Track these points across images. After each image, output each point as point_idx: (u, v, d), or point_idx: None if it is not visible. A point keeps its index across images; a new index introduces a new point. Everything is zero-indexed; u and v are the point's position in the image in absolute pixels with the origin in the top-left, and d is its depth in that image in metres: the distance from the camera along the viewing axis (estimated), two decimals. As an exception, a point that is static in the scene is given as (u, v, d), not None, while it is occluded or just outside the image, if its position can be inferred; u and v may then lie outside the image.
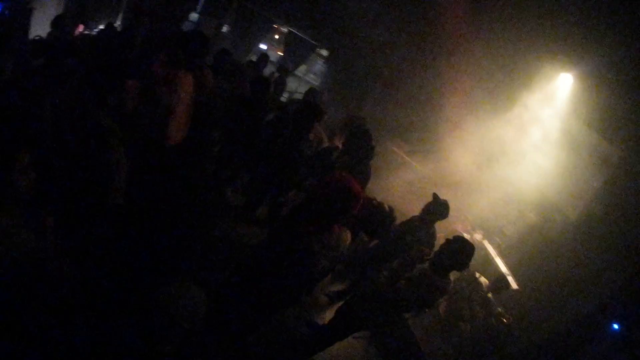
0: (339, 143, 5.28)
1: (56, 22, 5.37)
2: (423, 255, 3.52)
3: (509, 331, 5.58)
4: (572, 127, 6.32)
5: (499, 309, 5.81)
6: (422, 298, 3.39)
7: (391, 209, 3.49)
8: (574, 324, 5.00)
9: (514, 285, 6.08)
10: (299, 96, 8.37)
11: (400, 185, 6.69)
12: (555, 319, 5.32)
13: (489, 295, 5.93)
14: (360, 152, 4.09)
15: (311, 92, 6.15)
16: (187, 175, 4.14)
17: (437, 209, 4.43)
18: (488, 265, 6.47)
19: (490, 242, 6.92)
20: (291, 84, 10.07)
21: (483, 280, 6.10)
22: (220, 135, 4.72)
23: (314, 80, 11.83)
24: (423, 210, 4.47)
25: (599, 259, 5.25)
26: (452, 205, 7.00)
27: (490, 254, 6.64)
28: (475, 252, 6.69)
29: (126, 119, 3.26)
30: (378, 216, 3.27)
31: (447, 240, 3.33)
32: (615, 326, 4.39)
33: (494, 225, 7.37)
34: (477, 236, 7.10)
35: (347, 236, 2.60)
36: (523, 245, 6.82)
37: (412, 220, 4.50)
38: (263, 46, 11.35)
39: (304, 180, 4.49)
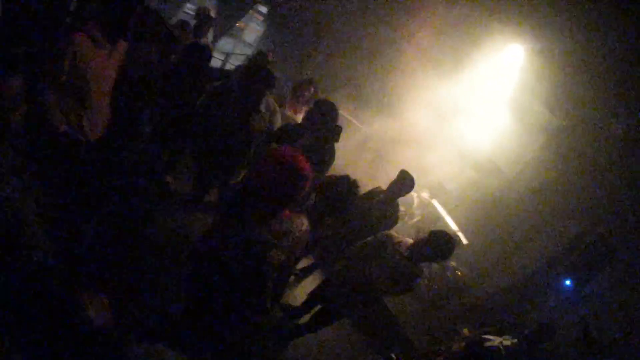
0: (290, 112, 4.85)
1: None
2: (395, 244, 3.35)
3: (464, 283, 5.78)
4: (517, 94, 6.38)
5: (453, 263, 5.94)
6: (399, 286, 3.31)
7: (354, 181, 3.22)
8: (522, 279, 5.25)
9: (464, 240, 6.22)
10: (237, 60, 7.60)
11: (349, 151, 6.44)
12: (503, 272, 5.55)
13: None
14: (326, 131, 3.56)
15: (260, 56, 5.49)
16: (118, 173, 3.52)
17: (405, 185, 4.24)
18: (438, 224, 6.53)
19: (438, 201, 6.98)
20: (226, 45, 9.17)
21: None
22: (152, 114, 4.09)
23: (250, 40, 10.80)
24: (390, 186, 4.22)
25: (538, 216, 5.48)
26: (400, 164, 7.01)
27: (439, 213, 6.70)
28: (426, 211, 6.90)
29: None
30: (339, 191, 2.96)
31: (432, 232, 3.24)
32: (567, 282, 4.60)
33: (436, 182, 7.45)
34: (425, 195, 7.10)
35: (302, 222, 2.17)
36: (464, 201, 6.95)
37: (375, 192, 4.25)
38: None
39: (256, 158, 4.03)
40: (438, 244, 3.15)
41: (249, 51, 9.61)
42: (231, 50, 9.05)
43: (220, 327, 2.16)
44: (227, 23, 9.23)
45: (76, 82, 2.65)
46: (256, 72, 3.65)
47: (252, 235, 1.93)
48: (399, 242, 3.38)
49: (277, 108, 4.00)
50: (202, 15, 5.89)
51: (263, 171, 1.92)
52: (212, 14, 8.36)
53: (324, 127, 3.52)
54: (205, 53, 4.02)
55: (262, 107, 3.79)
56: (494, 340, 4.14)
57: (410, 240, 3.40)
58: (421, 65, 6.73)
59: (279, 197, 1.94)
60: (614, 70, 4.88)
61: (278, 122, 4.01)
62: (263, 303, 2.08)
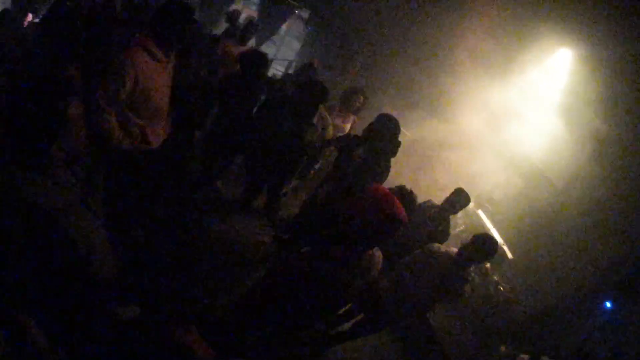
0: (338, 121, 4.80)
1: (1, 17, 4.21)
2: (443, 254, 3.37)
3: (505, 300, 5.58)
4: (567, 101, 6.12)
5: (495, 278, 5.75)
6: (447, 292, 3.34)
7: (410, 191, 3.17)
8: (563, 299, 5.05)
9: (509, 254, 6.00)
10: (279, 65, 7.57)
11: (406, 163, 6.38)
12: (545, 290, 5.35)
13: (487, 265, 5.82)
14: (385, 147, 3.46)
15: (308, 67, 5.47)
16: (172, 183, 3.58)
17: (460, 203, 4.16)
18: (483, 234, 6.35)
19: (483, 211, 6.77)
20: (268, 50, 9.22)
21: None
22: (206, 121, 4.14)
23: (292, 45, 10.77)
24: (445, 202, 4.13)
25: (586, 231, 5.24)
26: (443, 171, 6.83)
27: (484, 224, 6.49)
28: (470, 221, 6.71)
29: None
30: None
31: (476, 235, 3.34)
32: (608, 304, 4.38)
33: (483, 190, 7.24)
34: (470, 204, 6.93)
35: (379, 257, 2.25)
36: (511, 212, 6.71)
37: (427, 207, 4.16)
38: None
39: (307, 170, 4.03)
40: (482, 244, 3.21)
41: (292, 56, 9.62)
42: (274, 56, 9.09)
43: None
44: (268, 28, 9.26)
45: (137, 97, 2.61)
46: (312, 87, 3.64)
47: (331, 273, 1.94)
48: (446, 252, 3.39)
49: (329, 119, 3.98)
50: (246, 23, 5.92)
51: (361, 214, 1.91)
52: (254, 19, 8.45)
53: (384, 141, 3.47)
54: (264, 60, 4.00)
55: (315, 120, 3.78)
56: (529, 361, 4.04)
57: (456, 249, 3.40)
58: (469, 68, 6.54)
59: (371, 241, 2.00)
60: None
61: (330, 133, 4.00)
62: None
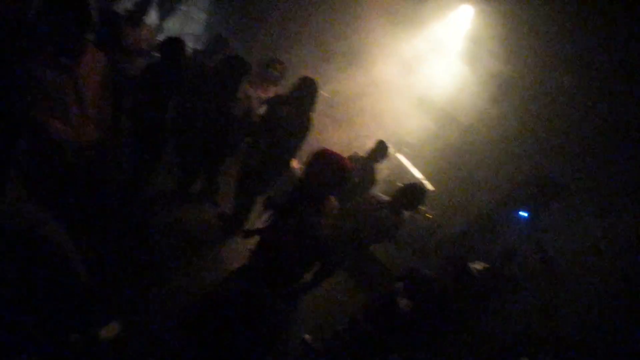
0: (259, 93, 4.85)
1: None
2: (376, 201, 3.69)
3: (434, 224, 6.30)
4: (470, 48, 6.60)
5: (422, 207, 6.39)
6: (385, 235, 3.69)
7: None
8: (484, 215, 5.77)
9: (430, 187, 6.66)
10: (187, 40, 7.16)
11: (321, 120, 6.58)
12: (468, 210, 6.06)
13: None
14: (308, 104, 3.70)
15: (220, 40, 5.31)
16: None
17: (382, 153, 4.52)
18: (405, 174, 6.92)
19: (401, 154, 7.33)
20: (173, 25, 8.73)
21: (405, 189, 6.55)
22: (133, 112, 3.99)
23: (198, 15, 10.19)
24: (369, 154, 4.51)
25: (493, 159, 5.95)
26: (362, 121, 7.21)
27: (404, 165, 7.08)
28: (393, 165, 7.25)
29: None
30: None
31: (403, 186, 3.65)
32: (524, 214, 5.14)
33: (398, 136, 7.78)
34: (391, 150, 7.44)
35: (335, 202, 2.60)
36: (427, 151, 7.34)
37: (353, 158, 4.46)
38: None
39: (238, 144, 4.12)
40: (411, 194, 3.55)
41: (199, 30, 9.18)
42: (180, 32, 8.58)
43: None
44: (168, 3, 8.69)
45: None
46: (232, 62, 3.66)
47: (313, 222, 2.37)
48: (382, 199, 3.73)
49: (252, 93, 4.05)
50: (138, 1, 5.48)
51: (320, 172, 2.33)
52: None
53: (306, 101, 3.68)
54: (181, 44, 3.88)
55: (239, 95, 3.85)
56: (470, 266, 4.66)
57: (388, 198, 3.75)
58: (378, 24, 6.77)
59: (332, 189, 2.39)
60: (562, 31, 5.22)
61: (254, 106, 4.08)
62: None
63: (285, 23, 8.31)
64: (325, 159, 2.36)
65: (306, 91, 3.63)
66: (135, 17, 5.01)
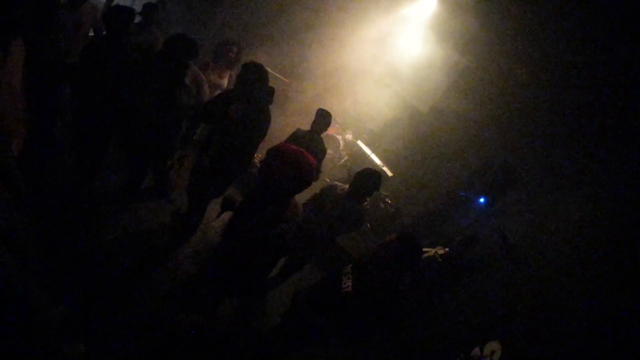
0: (214, 77, 4.31)
1: None
2: (336, 192, 3.39)
3: (395, 210, 6.09)
4: (429, 40, 6.35)
5: (383, 193, 6.18)
6: (348, 224, 3.36)
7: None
8: (442, 200, 5.64)
9: (389, 173, 6.44)
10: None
11: (282, 106, 6.12)
12: (427, 196, 5.91)
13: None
14: (259, 95, 3.08)
15: (150, 9, 4.51)
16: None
17: (324, 120, 4.12)
18: (365, 161, 6.64)
19: (361, 141, 7.05)
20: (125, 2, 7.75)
21: (365, 175, 6.29)
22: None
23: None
24: (312, 126, 4.08)
25: (449, 146, 5.81)
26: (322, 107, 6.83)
27: (364, 151, 6.80)
28: (352, 151, 6.96)
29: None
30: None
31: (357, 173, 3.31)
32: (482, 200, 5.02)
33: (358, 123, 7.51)
34: (349, 136, 7.12)
35: (298, 203, 2.35)
36: (385, 138, 7.12)
37: (298, 134, 3.97)
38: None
39: (189, 135, 3.57)
40: (366, 179, 3.25)
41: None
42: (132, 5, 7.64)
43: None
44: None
45: None
46: (177, 43, 3.08)
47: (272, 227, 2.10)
48: (343, 189, 3.42)
49: (203, 77, 3.49)
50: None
51: (280, 173, 2.01)
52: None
53: (256, 92, 3.09)
54: (128, 15, 3.16)
55: (188, 80, 3.30)
56: (430, 251, 4.50)
57: (346, 186, 3.44)
58: (340, 14, 6.35)
59: (295, 190, 2.13)
60: (519, 27, 5.07)
61: (206, 92, 3.52)
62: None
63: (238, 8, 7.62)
64: (283, 159, 2.02)
65: (253, 80, 3.04)
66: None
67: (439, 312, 3.95)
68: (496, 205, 4.86)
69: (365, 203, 3.43)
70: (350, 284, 2.46)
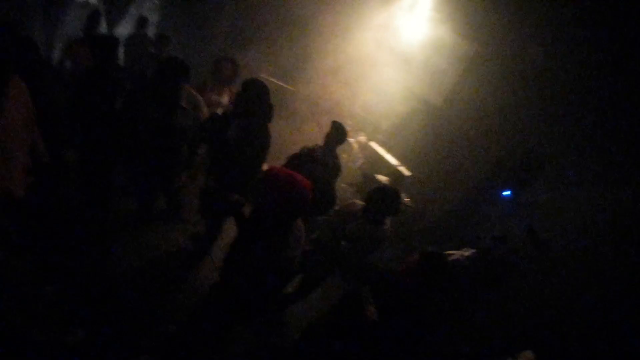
0: (213, 96, 4.15)
1: None
2: (354, 212, 3.06)
3: (415, 211, 5.75)
4: (435, 29, 6.03)
5: (400, 194, 5.84)
6: (365, 252, 3.05)
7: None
8: (465, 197, 5.25)
9: (406, 172, 6.10)
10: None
11: (291, 116, 5.91)
12: (448, 194, 5.53)
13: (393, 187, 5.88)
14: (259, 113, 2.92)
15: (163, 40, 4.58)
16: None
17: (338, 133, 3.87)
18: (381, 162, 6.34)
19: (375, 141, 6.75)
20: (124, 30, 7.79)
21: (382, 178, 5.98)
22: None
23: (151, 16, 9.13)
24: (325, 140, 3.86)
25: (468, 138, 5.41)
26: (334, 116, 6.56)
27: (379, 152, 6.49)
28: (366, 153, 6.67)
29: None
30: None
31: (369, 192, 2.97)
32: (506, 193, 4.61)
33: (371, 123, 7.21)
34: (362, 139, 6.84)
35: (299, 221, 2.15)
36: (400, 136, 6.79)
37: (315, 150, 3.83)
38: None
39: (192, 157, 3.43)
40: (380, 201, 2.91)
41: (153, 32, 8.25)
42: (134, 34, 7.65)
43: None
44: (116, 9, 7.77)
45: None
46: (170, 66, 2.93)
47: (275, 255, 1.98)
48: (359, 209, 3.09)
49: (199, 98, 3.33)
50: (89, 15, 4.77)
51: (274, 200, 1.88)
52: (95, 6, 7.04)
53: (255, 110, 2.94)
54: (112, 45, 3.13)
55: (184, 102, 3.14)
56: (455, 254, 4.16)
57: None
58: (340, 7, 6.09)
59: (292, 216, 1.99)
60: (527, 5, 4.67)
61: (204, 112, 3.36)
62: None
63: (238, 25, 7.46)
64: (276, 185, 1.86)
65: (252, 98, 2.88)
66: (89, 29, 4.29)
67: (468, 320, 3.61)
68: (522, 198, 4.44)
69: (386, 225, 3.12)
70: (374, 310, 2.24)
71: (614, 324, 2.84)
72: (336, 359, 2.44)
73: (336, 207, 3.28)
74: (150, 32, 6.78)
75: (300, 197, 1.87)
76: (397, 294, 2.23)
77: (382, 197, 2.89)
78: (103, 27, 6.94)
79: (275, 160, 4.12)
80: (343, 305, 2.52)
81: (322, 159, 3.68)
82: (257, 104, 2.88)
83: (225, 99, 4.05)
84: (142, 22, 5.87)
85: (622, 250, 3.17)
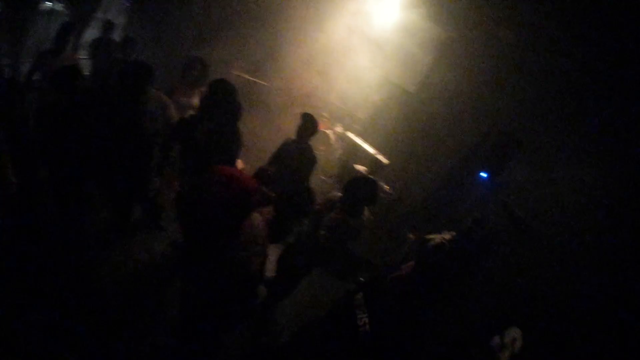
0: (183, 98, 4.04)
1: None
2: (332, 202, 3.05)
3: (393, 198, 5.78)
4: (407, 16, 5.98)
5: (380, 183, 5.85)
6: (344, 242, 3.05)
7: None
8: (443, 181, 5.29)
9: (384, 161, 6.12)
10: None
11: (265, 111, 5.83)
12: (426, 179, 5.57)
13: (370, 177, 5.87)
14: (227, 113, 2.86)
15: (128, 43, 4.42)
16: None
17: (309, 127, 3.84)
18: (358, 152, 6.34)
19: (351, 131, 6.73)
20: (92, 34, 7.50)
21: (361, 168, 5.98)
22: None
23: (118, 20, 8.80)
24: (297, 133, 3.82)
25: (443, 123, 5.43)
26: (309, 108, 6.52)
27: (356, 142, 6.48)
28: (344, 144, 6.65)
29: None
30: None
31: (346, 184, 2.96)
32: (483, 175, 4.66)
33: (347, 113, 7.18)
34: (339, 129, 6.80)
35: (257, 220, 2.07)
36: (376, 124, 6.78)
37: (287, 143, 3.77)
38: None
39: (165, 161, 3.33)
40: (357, 191, 2.92)
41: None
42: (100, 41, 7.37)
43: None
44: (83, 15, 7.47)
45: None
46: (135, 70, 2.84)
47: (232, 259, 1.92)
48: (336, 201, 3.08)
49: (167, 100, 3.23)
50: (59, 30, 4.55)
51: (215, 202, 1.82)
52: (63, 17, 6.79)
53: (223, 110, 2.88)
54: (72, 73, 2.92)
55: (151, 106, 3.05)
56: (436, 237, 4.20)
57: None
58: (308, 13, 5.99)
59: (238, 217, 1.90)
60: None
61: (172, 114, 3.26)
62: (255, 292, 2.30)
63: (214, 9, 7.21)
64: (216, 185, 1.83)
65: (219, 99, 2.82)
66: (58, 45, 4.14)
67: (452, 302, 3.66)
68: (498, 179, 4.48)
69: (363, 216, 3.11)
70: (366, 320, 2.23)
71: (596, 297, 2.91)
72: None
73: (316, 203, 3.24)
74: (119, 35, 6.55)
75: (242, 194, 1.82)
76: (391, 301, 2.19)
77: (357, 188, 2.89)
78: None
79: (249, 157, 4.07)
80: (335, 314, 2.48)
81: (298, 154, 3.65)
82: (224, 105, 2.83)
83: (195, 101, 3.94)
84: (108, 26, 5.67)
85: (598, 226, 3.23)
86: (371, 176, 5.75)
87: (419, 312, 2.17)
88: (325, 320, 2.48)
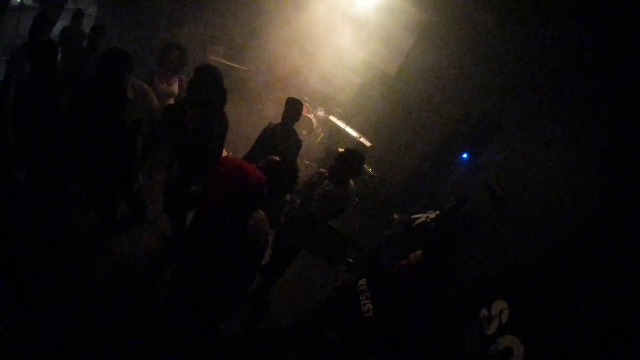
0: (162, 85, 3.88)
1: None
2: (322, 176, 3.11)
3: (379, 180, 5.81)
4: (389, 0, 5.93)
5: (364, 165, 5.86)
6: (335, 210, 3.09)
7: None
8: (425, 161, 5.33)
9: (367, 143, 6.12)
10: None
11: (246, 97, 5.69)
12: (408, 160, 5.60)
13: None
14: (211, 98, 2.75)
15: (96, 30, 4.19)
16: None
17: (294, 111, 3.78)
18: (341, 136, 6.31)
19: (334, 115, 6.68)
20: (63, 23, 7.13)
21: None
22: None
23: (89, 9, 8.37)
24: (283, 118, 3.76)
25: (424, 105, 5.44)
26: (290, 92, 6.43)
27: (339, 126, 6.44)
28: (327, 128, 6.60)
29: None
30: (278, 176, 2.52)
31: (337, 156, 3.06)
32: (465, 156, 4.71)
33: (330, 97, 7.12)
34: (321, 113, 6.76)
35: (262, 215, 2.02)
36: (357, 107, 6.75)
37: (270, 128, 3.69)
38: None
39: (149, 152, 3.21)
40: (347, 162, 3.01)
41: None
42: (71, 32, 6.98)
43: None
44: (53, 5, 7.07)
45: None
46: (107, 58, 2.70)
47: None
48: (323, 174, 3.15)
49: (146, 88, 3.09)
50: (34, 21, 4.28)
51: (224, 195, 1.73)
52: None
53: (210, 96, 2.78)
54: (51, 49, 2.81)
55: (130, 94, 2.91)
56: (421, 217, 4.26)
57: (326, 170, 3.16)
58: None
59: (246, 212, 1.84)
60: None
61: (153, 102, 3.14)
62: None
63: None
64: (222, 178, 1.73)
65: (206, 84, 2.72)
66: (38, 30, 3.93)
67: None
68: (479, 159, 4.55)
69: (349, 186, 3.15)
70: (370, 306, 2.22)
71: (579, 271, 3.00)
72: (330, 350, 2.41)
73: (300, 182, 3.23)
74: (89, 25, 6.25)
75: (250, 189, 1.73)
76: (396, 289, 2.18)
77: (348, 158, 2.99)
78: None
79: (232, 143, 3.97)
80: (338, 299, 2.47)
81: (283, 138, 3.60)
82: (211, 90, 2.72)
83: (175, 88, 3.80)
84: (77, 15, 5.36)
85: (580, 203, 3.30)
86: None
87: (424, 297, 2.18)
88: (327, 306, 2.47)
